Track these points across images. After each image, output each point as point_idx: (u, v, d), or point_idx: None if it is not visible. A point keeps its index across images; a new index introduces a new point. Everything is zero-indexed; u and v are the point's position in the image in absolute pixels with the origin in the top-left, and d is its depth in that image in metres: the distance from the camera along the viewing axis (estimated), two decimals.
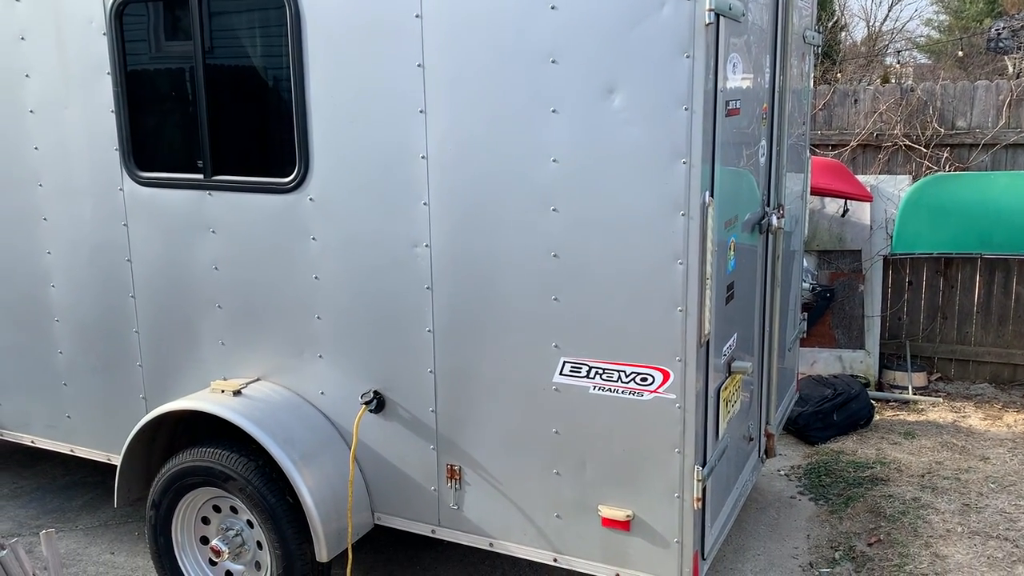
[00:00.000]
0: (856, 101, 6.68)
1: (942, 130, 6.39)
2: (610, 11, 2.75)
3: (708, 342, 2.96)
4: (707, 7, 2.63)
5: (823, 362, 6.54)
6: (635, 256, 2.87)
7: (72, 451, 4.26)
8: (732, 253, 3.20)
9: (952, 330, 6.62)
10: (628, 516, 3.06)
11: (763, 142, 3.60)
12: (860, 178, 6.50)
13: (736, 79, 3.03)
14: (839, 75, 21.57)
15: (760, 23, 3.40)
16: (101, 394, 4.07)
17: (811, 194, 6.33)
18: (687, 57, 2.68)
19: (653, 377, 2.93)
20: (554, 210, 2.96)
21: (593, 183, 2.89)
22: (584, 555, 3.19)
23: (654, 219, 2.82)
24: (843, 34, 28.14)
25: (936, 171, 6.38)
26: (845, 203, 6.44)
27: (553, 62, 2.86)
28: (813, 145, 6.78)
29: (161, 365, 3.89)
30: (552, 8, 2.83)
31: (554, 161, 2.93)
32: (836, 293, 6.55)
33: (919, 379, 6.49)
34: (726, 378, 3.24)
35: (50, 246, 4.04)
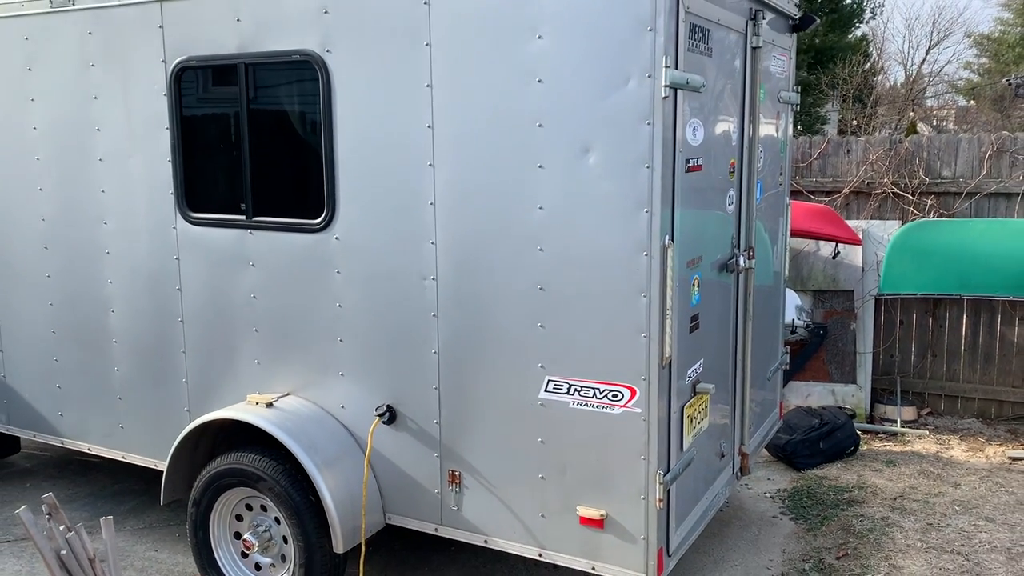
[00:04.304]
0: (849, 151, 7.16)
1: (927, 179, 6.84)
2: (586, 85, 3.29)
3: (670, 364, 3.44)
4: (663, 83, 3.16)
5: (817, 395, 6.94)
6: (607, 289, 3.38)
7: (124, 457, 4.81)
8: (696, 289, 3.69)
9: (941, 367, 7.00)
10: (602, 515, 3.53)
11: (731, 192, 4.10)
12: (852, 223, 6.95)
13: (697, 140, 3.54)
14: (872, 118, 21.94)
15: (728, 89, 3.92)
16: (151, 407, 4.63)
17: (804, 238, 6.81)
18: (648, 124, 3.20)
19: (622, 393, 3.42)
20: (540, 250, 3.48)
21: (573, 227, 3.41)
22: (565, 550, 3.65)
23: (623, 258, 3.33)
24: (879, 78, 28.58)
25: (922, 217, 6.82)
26: (836, 246, 6.89)
27: (539, 125, 3.41)
28: (809, 192, 7.26)
29: (204, 382, 4.44)
30: (539, 81, 3.37)
31: (540, 208, 3.46)
32: (829, 331, 6.97)
33: (908, 413, 6.86)
34: (691, 397, 3.71)
35: (111, 276, 4.64)
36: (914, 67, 32.01)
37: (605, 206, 3.34)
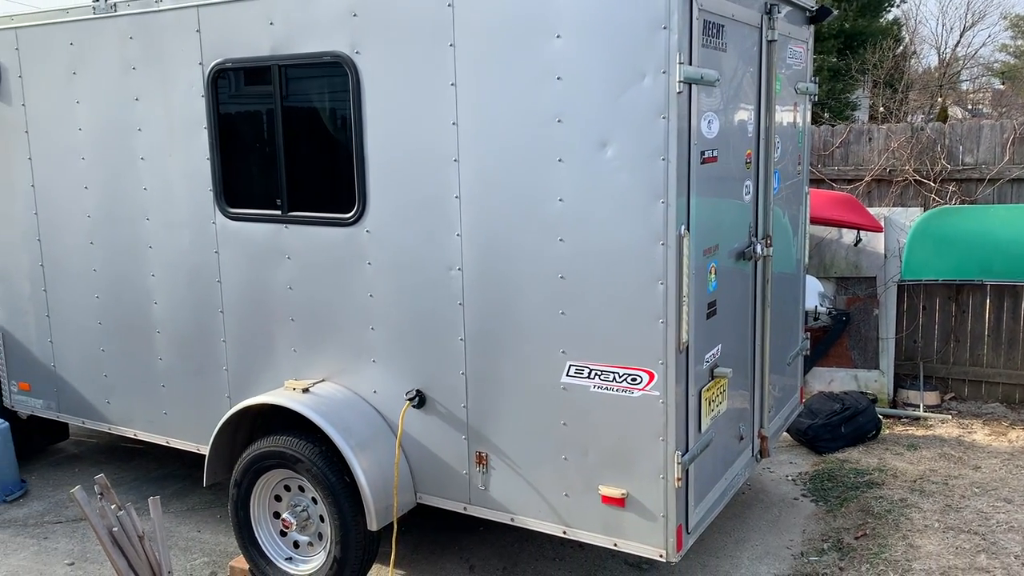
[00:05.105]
0: (871, 139, 7.21)
1: (949, 166, 6.89)
2: (603, 81, 3.44)
3: (687, 349, 3.58)
4: (677, 79, 3.29)
5: (840, 381, 7.03)
6: (625, 278, 3.53)
7: (168, 442, 5.05)
8: (713, 276, 3.82)
9: (965, 353, 7.05)
10: (623, 494, 3.68)
11: (748, 182, 4.22)
12: (873, 210, 7.02)
13: (712, 133, 3.67)
14: (903, 103, 21.71)
15: (744, 82, 4.03)
16: (193, 394, 4.86)
17: (826, 225, 6.89)
18: (663, 118, 3.34)
19: (641, 377, 3.56)
20: (561, 240, 3.64)
21: (592, 218, 3.56)
22: (588, 528, 3.81)
23: (640, 248, 3.47)
24: (911, 61, 28.27)
25: (944, 204, 6.87)
26: (858, 233, 6.96)
27: (559, 121, 3.55)
28: (831, 180, 7.33)
29: (243, 369, 4.65)
30: (558, 79, 3.52)
31: (560, 200, 3.61)
32: (852, 317, 7.05)
33: (931, 398, 6.93)
34: (709, 381, 3.85)
35: (154, 270, 4.86)
36: (948, 50, 31.57)
37: (622, 197, 3.48)
